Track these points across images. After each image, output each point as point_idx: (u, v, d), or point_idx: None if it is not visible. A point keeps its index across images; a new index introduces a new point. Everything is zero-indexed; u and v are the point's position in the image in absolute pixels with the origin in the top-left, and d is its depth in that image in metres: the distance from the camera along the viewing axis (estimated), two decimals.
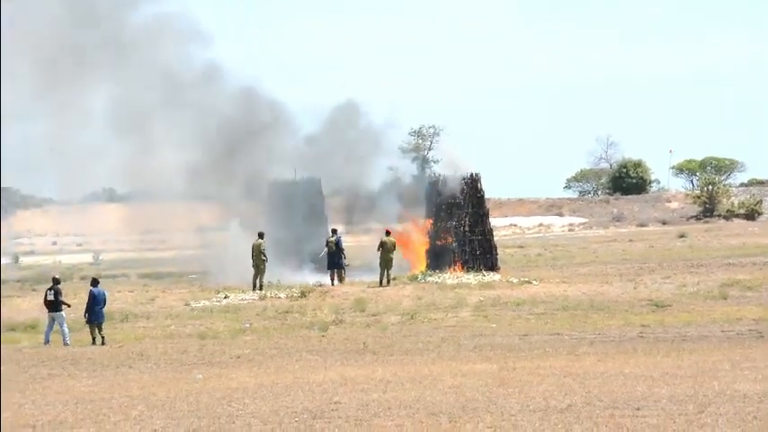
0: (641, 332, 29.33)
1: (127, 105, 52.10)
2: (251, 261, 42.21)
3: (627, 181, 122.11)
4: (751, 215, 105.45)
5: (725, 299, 36.48)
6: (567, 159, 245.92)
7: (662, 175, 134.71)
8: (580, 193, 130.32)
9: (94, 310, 31.20)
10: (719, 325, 30.39)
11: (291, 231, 48.70)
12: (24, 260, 77.81)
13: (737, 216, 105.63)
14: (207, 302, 39.31)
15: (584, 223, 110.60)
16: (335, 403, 19.44)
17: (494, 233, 49.27)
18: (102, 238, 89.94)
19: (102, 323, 31.34)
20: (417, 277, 43.01)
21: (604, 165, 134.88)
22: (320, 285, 41.95)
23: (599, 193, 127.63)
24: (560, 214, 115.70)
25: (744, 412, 17.65)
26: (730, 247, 65.11)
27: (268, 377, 23.05)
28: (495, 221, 63.81)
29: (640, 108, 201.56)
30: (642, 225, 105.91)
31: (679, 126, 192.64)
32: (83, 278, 53.53)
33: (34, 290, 48.08)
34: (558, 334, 29.61)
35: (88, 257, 78.54)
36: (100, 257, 77.53)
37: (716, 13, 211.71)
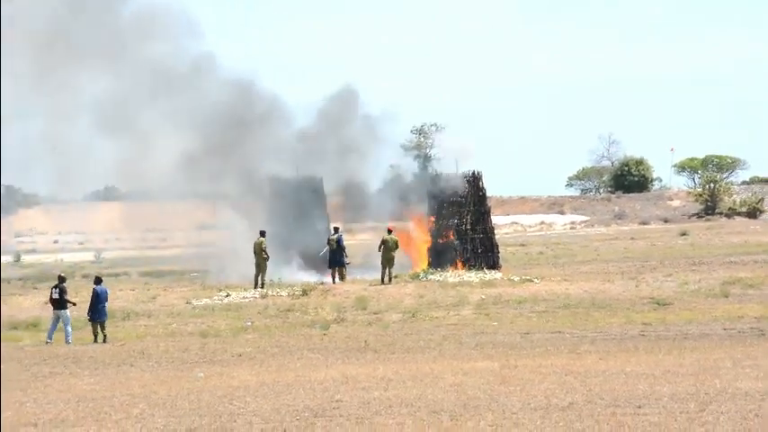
0: (643, 330, 29.33)
1: (120, 99, 51.82)
2: (253, 259, 42.24)
3: (629, 179, 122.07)
4: (753, 213, 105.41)
5: (726, 297, 36.47)
6: (569, 157, 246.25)
7: (664, 173, 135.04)
8: (582, 191, 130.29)
9: (97, 309, 31.25)
10: (721, 323, 30.38)
11: (283, 228, 48.50)
12: (26, 258, 77.86)
13: (739, 214, 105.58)
14: (208, 301, 39.31)
15: (585, 221, 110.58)
16: (337, 401, 19.44)
17: (495, 231, 49.28)
18: (103, 236, 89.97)
19: (104, 321, 31.39)
20: (419, 275, 42.99)
21: (606, 163, 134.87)
22: (322, 284, 41.97)
23: (601, 191, 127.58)
24: (562, 212, 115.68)
25: (745, 410, 17.65)
26: (732, 245, 65.10)
27: (269, 375, 23.06)
28: (496, 219, 63.86)
29: (642, 106, 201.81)
30: (644, 223, 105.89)
31: (681, 124, 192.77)
32: (84, 276, 53.53)
33: (36, 288, 48.10)
34: (560, 332, 29.61)
35: (90, 256, 78.59)
36: (101, 256, 77.58)
37: (716, 13, 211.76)
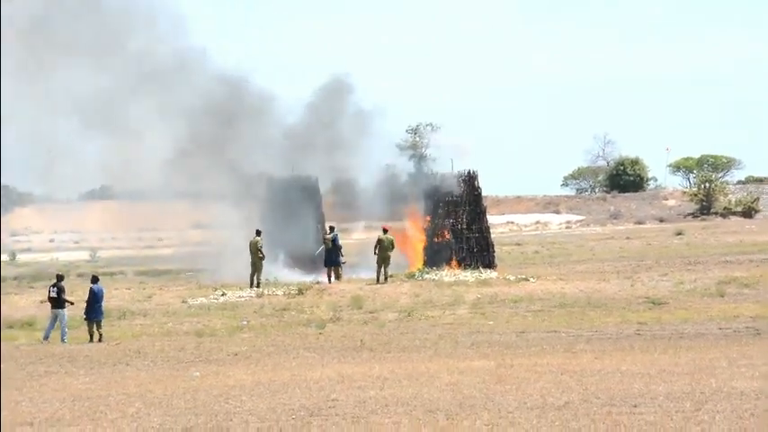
0: (638, 329, 29.34)
1: (106, 96, 51.43)
2: (248, 258, 42.24)
3: (624, 178, 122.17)
4: (748, 213, 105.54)
5: (722, 296, 36.50)
6: (565, 157, 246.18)
7: (659, 172, 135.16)
8: (577, 190, 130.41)
9: (94, 308, 31.25)
10: (716, 322, 30.40)
11: (272, 227, 48.27)
12: (21, 257, 77.78)
13: (734, 214, 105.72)
14: (204, 300, 39.29)
15: (581, 221, 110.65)
16: (333, 400, 19.45)
17: (491, 230, 49.28)
18: (98, 235, 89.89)
19: (101, 320, 31.39)
20: (415, 275, 43.00)
21: (602, 162, 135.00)
22: (318, 283, 41.97)
23: (596, 190, 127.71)
24: (557, 212, 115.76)
25: (741, 409, 17.66)
26: (727, 244, 65.15)
27: (265, 374, 23.05)
28: (492, 219, 63.82)
29: (637, 106, 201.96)
30: (639, 222, 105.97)
31: (676, 124, 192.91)
32: (80, 275, 53.47)
33: (31, 287, 48.07)
34: (556, 331, 29.61)
35: (85, 255, 78.53)
36: (97, 255, 77.52)
37: (715, 13, 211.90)
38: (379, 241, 42.00)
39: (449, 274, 43.25)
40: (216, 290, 41.27)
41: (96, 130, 52.06)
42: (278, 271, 45.89)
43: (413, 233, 49.29)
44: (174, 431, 17.57)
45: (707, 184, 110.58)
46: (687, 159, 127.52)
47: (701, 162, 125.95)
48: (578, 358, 23.95)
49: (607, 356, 24.08)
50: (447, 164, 49.16)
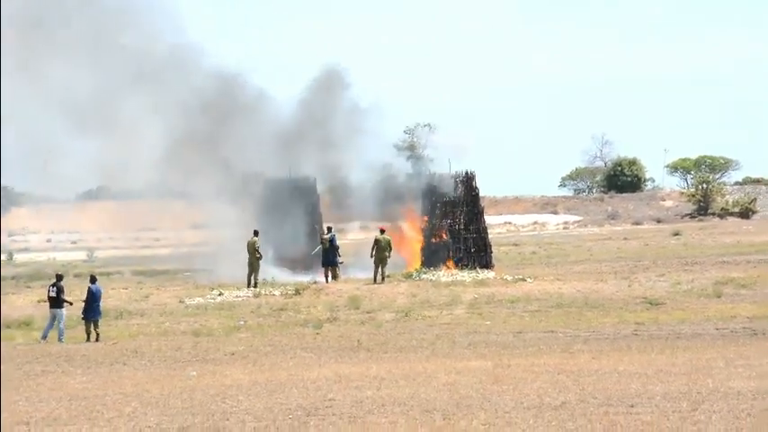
0: (635, 330, 29.35)
1: (97, 94, 50.98)
2: (244, 258, 42.23)
3: (622, 179, 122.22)
4: (745, 213, 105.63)
5: (719, 297, 36.51)
6: (563, 158, 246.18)
7: (657, 173, 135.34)
8: (575, 191, 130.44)
9: (92, 307, 31.25)
10: (713, 323, 30.41)
11: (266, 226, 48.02)
12: (19, 257, 77.73)
13: (732, 214, 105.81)
14: (201, 300, 39.27)
15: (578, 221, 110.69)
16: (330, 400, 19.44)
17: (488, 231, 49.28)
18: (95, 235, 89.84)
19: (98, 320, 31.39)
20: (412, 275, 42.98)
21: (599, 163, 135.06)
22: (315, 283, 41.96)
23: (594, 191, 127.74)
24: (555, 212, 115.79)
25: (737, 409, 17.67)
26: (724, 245, 65.18)
27: (262, 374, 23.05)
28: (489, 219, 63.81)
29: (635, 107, 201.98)
30: (637, 223, 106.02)
31: (674, 125, 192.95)
32: (77, 275, 53.41)
33: (29, 287, 48.02)
34: (553, 331, 29.61)
35: (82, 255, 78.48)
36: (94, 255, 77.47)
37: (715, 13, 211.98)
38: (376, 242, 41.98)
39: (446, 274, 43.23)
40: (213, 290, 41.24)
41: (91, 128, 51.77)
42: (264, 270, 45.65)
43: (410, 233, 49.29)
44: (171, 430, 17.56)
45: (704, 185, 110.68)
46: (685, 160, 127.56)
47: (699, 163, 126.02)
48: (575, 358, 23.95)
49: (604, 357, 24.08)
50: (445, 164, 49.16)
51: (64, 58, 51.13)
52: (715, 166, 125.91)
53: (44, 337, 31.26)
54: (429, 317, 34.06)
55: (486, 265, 46.54)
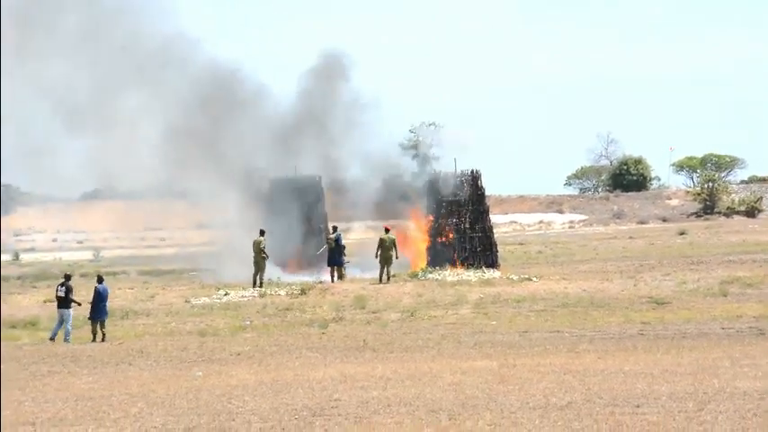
0: (641, 329, 29.33)
1: (92, 90, 50.57)
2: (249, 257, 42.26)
3: (627, 178, 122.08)
4: (751, 212, 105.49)
5: (725, 296, 36.48)
6: (568, 156, 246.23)
7: (662, 172, 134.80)
8: (580, 190, 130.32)
9: (99, 307, 31.30)
10: (719, 322, 30.39)
11: (273, 226, 47.91)
12: (25, 257, 77.82)
13: (738, 213, 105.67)
14: (207, 299, 39.31)
15: (584, 220, 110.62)
16: (335, 400, 19.44)
17: (494, 230, 49.25)
18: (101, 235, 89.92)
19: (105, 320, 31.43)
20: (417, 274, 42.99)
21: (605, 162, 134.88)
22: (320, 282, 41.98)
23: (599, 190, 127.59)
24: (561, 211, 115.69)
25: (744, 409, 17.65)
26: (730, 244, 65.10)
27: (268, 374, 23.06)
28: (495, 218, 63.81)
29: (641, 106, 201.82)
30: (642, 222, 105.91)
31: (679, 124, 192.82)
32: (83, 275, 53.46)
33: (35, 287, 48.07)
34: (559, 331, 29.60)
35: (88, 254, 78.57)
36: (100, 254, 77.57)
37: (715, 13, 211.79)
38: (381, 241, 41.99)
39: (452, 273, 43.24)
40: (219, 290, 41.28)
41: (88, 127, 51.41)
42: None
43: (415, 233, 49.27)
44: (177, 431, 17.57)
45: (710, 184, 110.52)
46: (690, 159, 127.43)
47: (705, 161, 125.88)
48: (581, 358, 23.94)
49: (610, 356, 24.07)
50: (450, 163, 49.06)
51: (59, 54, 50.75)
52: (721, 164, 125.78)
53: (52, 337, 31.29)
54: (435, 317, 34.06)
55: (492, 264, 46.53)
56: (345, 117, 52.88)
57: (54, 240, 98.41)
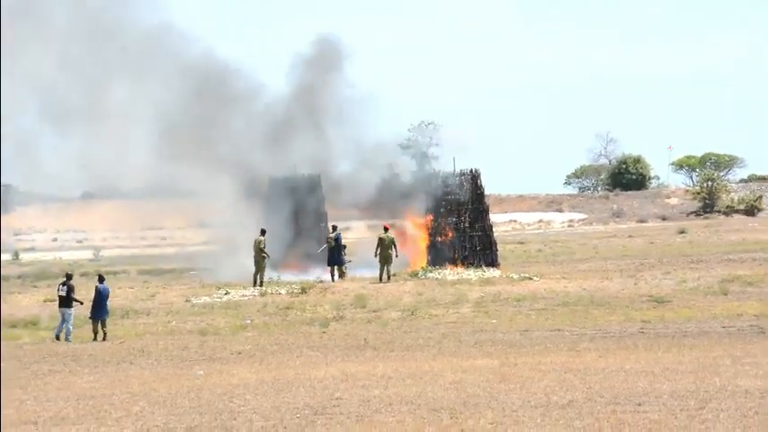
0: (642, 328, 29.34)
1: (89, 85, 50.13)
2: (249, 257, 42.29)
3: (626, 177, 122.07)
4: (751, 211, 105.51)
5: (725, 294, 36.49)
6: (567, 156, 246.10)
7: (662, 171, 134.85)
8: (580, 189, 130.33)
9: (100, 306, 31.31)
10: (720, 321, 30.40)
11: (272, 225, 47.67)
12: (25, 256, 77.80)
13: (737, 212, 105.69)
14: (207, 299, 39.32)
15: (583, 219, 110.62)
16: (336, 399, 19.45)
17: (494, 229, 49.26)
18: (101, 234, 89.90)
19: (106, 319, 31.45)
20: (418, 273, 43.02)
21: (604, 161, 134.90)
22: (320, 282, 42.00)
23: (599, 189, 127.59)
24: (560, 210, 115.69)
25: (745, 408, 17.67)
26: (730, 242, 65.11)
27: (269, 373, 23.07)
28: (495, 217, 63.80)
29: (640, 105, 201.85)
30: (642, 221, 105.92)
31: (679, 123, 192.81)
32: (83, 275, 53.46)
33: (35, 286, 48.06)
34: (559, 330, 29.61)
35: (88, 254, 78.55)
36: (100, 254, 77.54)
37: (716, 13, 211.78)
38: (380, 240, 42.00)
39: (452, 272, 43.26)
40: (219, 289, 41.30)
41: (78, 123, 51.01)
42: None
43: (414, 232, 49.26)
44: (178, 430, 17.58)
45: (709, 183, 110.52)
46: (690, 157, 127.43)
47: (704, 160, 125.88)
48: (582, 357, 23.95)
49: (611, 355, 24.08)
50: (449, 162, 49.08)
51: (49, 49, 50.30)
52: (720, 163, 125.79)
53: (57, 336, 31.31)
54: (435, 315, 34.07)
55: (492, 263, 46.55)
56: (341, 111, 52.44)
57: (54, 240, 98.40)
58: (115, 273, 55.53)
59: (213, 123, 50.58)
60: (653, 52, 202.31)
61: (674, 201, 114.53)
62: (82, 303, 31.81)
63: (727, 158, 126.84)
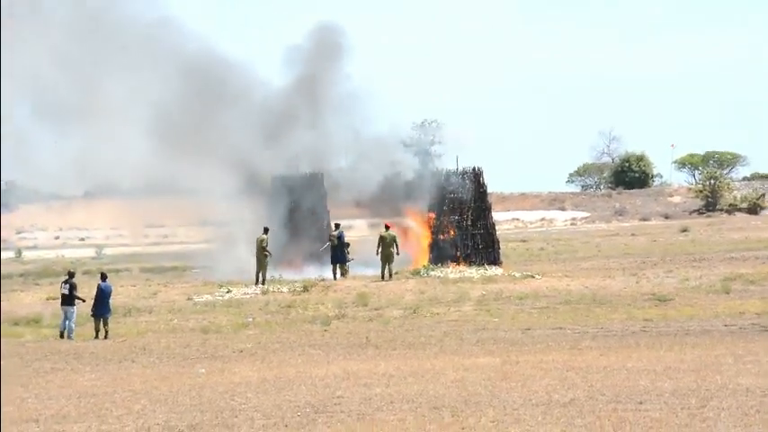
0: (644, 326, 29.33)
1: (85, 81, 49.92)
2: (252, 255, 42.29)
3: (629, 175, 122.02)
4: (753, 209, 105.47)
5: (727, 293, 36.46)
6: (570, 154, 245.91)
7: (664, 169, 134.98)
8: (582, 187, 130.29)
9: (102, 304, 31.33)
10: (722, 319, 30.38)
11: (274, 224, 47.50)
12: (27, 254, 77.86)
13: (740, 210, 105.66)
14: (209, 297, 39.33)
15: (586, 217, 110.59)
16: (338, 397, 19.45)
17: (496, 227, 49.26)
18: (104, 232, 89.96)
19: (108, 317, 31.47)
20: (420, 271, 43.02)
21: (607, 159, 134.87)
22: (323, 280, 42.00)
23: (601, 187, 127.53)
24: (563, 208, 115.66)
25: (746, 406, 17.66)
26: (733, 241, 65.08)
27: (271, 371, 23.07)
28: (497, 215, 63.83)
29: (642, 103, 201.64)
30: (644, 219, 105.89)
31: (681, 121, 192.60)
32: (85, 273, 53.48)
33: (37, 284, 48.10)
34: (561, 328, 29.61)
35: (91, 252, 78.61)
36: (102, 252, 77.58)
37: (716, 13, 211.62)
38: (381, 238, 42.00)
39: (454, 270, 43.27)
40: (221, 287, 41.31)
41: (74, 122, 50.82)
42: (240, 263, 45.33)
43: (416, 230, 49.26)
44: (180, 428, 17.59)
45: (712, 181, 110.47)
46: (692, 156, 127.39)
47: (707, 158, 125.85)
48: (584, 355, 23.94)
49: (612, 353, 24.07)
50: (452, 160, 49.09)
51: (48, 47, 50.11)
52: (723, 161, 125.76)
53: (62, 333, 31.34)
54: (437, 314, 34.07)
55: (494, 261, 46.55)
56: (342, 102, 52.11)
57: (56, 238, 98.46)
58: (117, 271, 55.55)
59: (213, 119, 50.39)
60: (653, 52, 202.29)
61: (676, 199, 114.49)
62: (84, 301, 31.83)
63: (729, 156, 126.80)
